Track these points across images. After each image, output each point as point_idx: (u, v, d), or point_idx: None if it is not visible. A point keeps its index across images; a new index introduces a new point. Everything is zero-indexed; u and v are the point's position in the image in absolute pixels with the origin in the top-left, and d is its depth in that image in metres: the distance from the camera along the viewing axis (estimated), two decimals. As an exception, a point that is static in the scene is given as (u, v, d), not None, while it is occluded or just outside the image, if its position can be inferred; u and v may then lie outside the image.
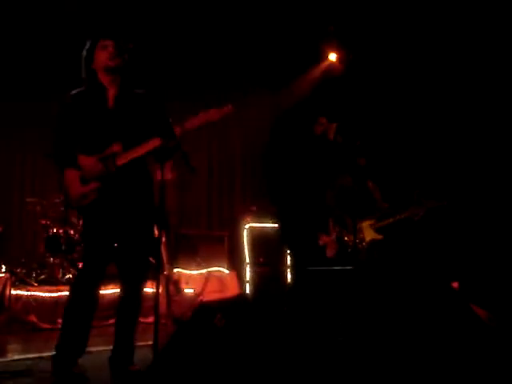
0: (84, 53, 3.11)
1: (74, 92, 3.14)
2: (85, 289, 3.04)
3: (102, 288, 4.97)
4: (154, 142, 2.98)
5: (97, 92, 3.11)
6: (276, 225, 4.76)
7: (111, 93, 3.12)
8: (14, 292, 5.13)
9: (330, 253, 4.98)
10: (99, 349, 3.68)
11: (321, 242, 4.96)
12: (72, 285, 3.19)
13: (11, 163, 6.95)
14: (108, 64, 3.04)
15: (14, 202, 6.81)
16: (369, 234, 4.95)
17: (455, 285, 4.60)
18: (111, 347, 3.16)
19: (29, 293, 5.18)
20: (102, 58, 3.04)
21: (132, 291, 3.14)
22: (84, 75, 3.13)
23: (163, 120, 2.96)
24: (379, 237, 4.96)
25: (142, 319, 5.24)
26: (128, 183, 3.08)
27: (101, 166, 3.00)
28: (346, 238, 4.90)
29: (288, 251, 4.66)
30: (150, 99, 3.19)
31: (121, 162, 3.02)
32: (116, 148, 3.03)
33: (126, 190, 3.08)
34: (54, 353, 3.03)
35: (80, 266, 3.29)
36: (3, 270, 5.39)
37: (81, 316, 3.03)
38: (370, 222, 4.98)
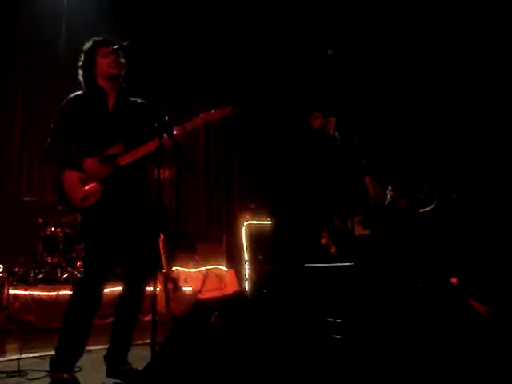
0: (83, 58, 3.14)
1: (73, 95, 3.15)
2: (90, 292, 3.01)
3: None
4: (154, 144, 2.99)
5: (97, 96, 3.14)
6: (272, 222, 4.74)
7: (111, 97, 3.16)
8: (12, 291, 5.12)
9: (332, 250, 4.98)
10: (97, 347, 3.67)
11: (323, 241, 4.96)
12: (77, 287, 3.09)
13: (8, 162, 6.92)
14: (110, 71, 3.10)
15: (12, 201, 6.79)
16: (357, 230, 4.95)
17: (454, 280, 4.59)
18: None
19: (27, 292, 5.17)
20: (105, 65, 3.09)
21: (135, 291, 3.15)
22: (82, 80, 3.15)
23: (162, 123, 2.89)
24: (366, 232, 4.96)
25: (140, 317, 5.32)
26: (128, 184, 3.11)
27: (105, 167, 3.03)
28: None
29: (286, 249, 4.63)
30: (148, 109, 3.22)
31: (123, 162, 3.05)
32: (117, 149, 3.06)
33: (127, 191, 3.11)
34: (52, 354, 2.99)
35: (84, 268, 3.17)
36: (1, 269, 5.37)
37: (84, 318, 3.00)
38: (359, 217, 4.98)
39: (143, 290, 3.17)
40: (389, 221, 5.11)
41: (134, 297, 3.15)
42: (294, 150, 4.65)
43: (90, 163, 3.02)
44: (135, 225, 3.11)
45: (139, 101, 3.25)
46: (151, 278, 3.19)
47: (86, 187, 3.02)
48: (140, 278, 3.15)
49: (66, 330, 3.00)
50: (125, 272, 3.20)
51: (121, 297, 3.19)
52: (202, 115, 3.10)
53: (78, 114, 3.09)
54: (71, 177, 3.04)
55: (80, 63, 3.15)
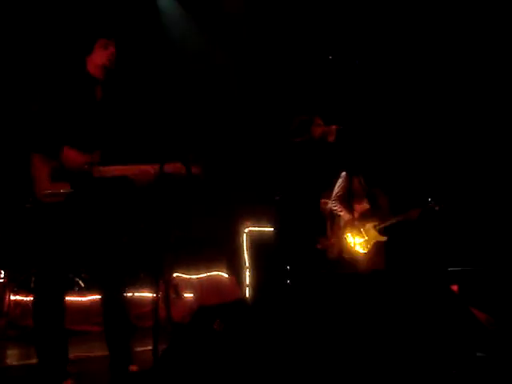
0: (81, 42, 3.10)
1: (61, 76, 3.06)
2: (49, 297, 2.91)
3: (97, 293, 5.03)
4: (148, 169, 2.91)
5: (86, 83, 3.06)
6: (273, 229, 4.75)
7: (99, 88, 3.10)
8: (13, 297, 5.12)
9: (330, 255, 4.97)
10: (98, 354, 3.67)
11: (320, 246, 4.95)
12: (36, 295, 2.99)
13: (11, 167, 6.92)
14: (106, 64, 3.04)
15: (14, 207, 6.78)
16: (372, 237, 4.94)
17: (455, 288, 4.59)
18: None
19: (28, 298, 5.16)
20: (103, 56, 3.03)
21: (112, 297, 3.09)
22: (73, 62, 3.10)
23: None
24: (383, 238, 4.95)
25: (141, 323, 5.32)
26: (102, 192, 3.01)
27: (86, 167, 2.91)
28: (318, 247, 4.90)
29: (286, 256, 4.62)
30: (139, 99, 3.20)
31: (96, 174, 2.92)
32: (95, 157, 2.95)
33: (98, 198, 3.01)
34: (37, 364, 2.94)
35: (39, 274, 3.04)
36: (2, 275, 5.38)
37: (51, 326, 2.91)
38: (372, 223, 4.96)
39: (120, 295, 3.11)
40: (401, 233, 5.11)
41: (112, 303, 3.09)
42: (294, 158, 4.64)
43: (74, 156, 2.89)
44: (99, 232, 3.01)
45: (131, 89, 3.20)
46: (123, 283, 3.18)
47: (55, 184, 2.87)
48: (113, 285, 3.08)
49: (40, 342, 2.92)
50: (97, 281, 3.17)
51: (102, 306, 3.12)
52: (172, 164, 2.85)
53: (66, 98, 2.96)
54: (42, 164, 2.90)
55: (76, 46, 3.10)
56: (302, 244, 4.53)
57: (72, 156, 2.89)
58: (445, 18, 6.43)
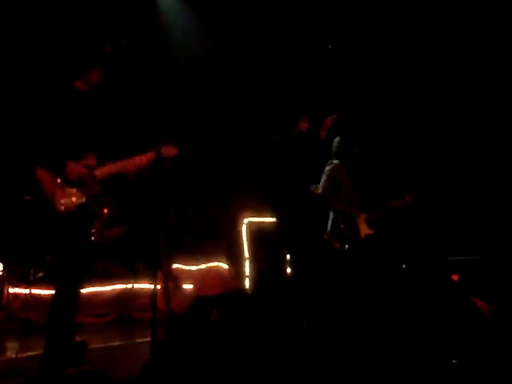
0: (78, 66, 3.32)
1: (54, 92, 3.29)
2: (75, 292, 3.17)
3: (100, 285, 5.10)
4: (143, 159, 3.20)
5: (75, 97, 3.27)
6: (274, 219, 4.73)
7: (83, 98, 3.31)
8: (12, 290, 5.12)
9: (335, 245, 4.95)
10: (93, 347, 3.67)
11: (326, 236, 4.93)
12: (62, 288, 3.20)
13: (8, 160, 6.89)
14: (97, 83, 3.34)
15: (12, 199, 6.77)
16: (363, 229, 4.93)
17: (455, 277, 4.58)
18: (112, 344, 3.19)
19: (27, 291, 5.16)
20: (98, 78, 3.35)
21: (64, 293, 3.21)
22: (65, 80, 3.32)
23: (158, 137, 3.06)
24: (371, 231, 4.94)
25: (141, 315, 5.32)
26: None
27: (86, 173, 3.15)
28: (342, 226, 4.87)
29: (287, 247, 4.61)
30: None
31: (99, 177, 3.19)
32: (91, 160, 3.19)
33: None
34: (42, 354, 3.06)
35: (68, 271, 3.22)
36: (1, 268, 5.37)
37: (70, 317, 3.15)
38: (364, 215, 4.95)
39: (73, 292, 3.27)
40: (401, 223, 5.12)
41: (63, 300, 3.22)
42: (285, 151, 4.63)
43: (75, 168, 3.11)
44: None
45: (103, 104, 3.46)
46: (79, 281, 3.34)
47: (70, 194, 3.10)
48: (68, 281, 3.24)
49: (57, 331, 3.11)
50: (56, 275, 3.38)
51: (52, 299, 3.29)
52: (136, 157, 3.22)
53: (60, 113, 3.19)
54: (49, 178, 3.10)
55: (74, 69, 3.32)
56: (307, 234, 4.52)
57: (75, 169, 3.12)
58: (439, 14, 6.41)
